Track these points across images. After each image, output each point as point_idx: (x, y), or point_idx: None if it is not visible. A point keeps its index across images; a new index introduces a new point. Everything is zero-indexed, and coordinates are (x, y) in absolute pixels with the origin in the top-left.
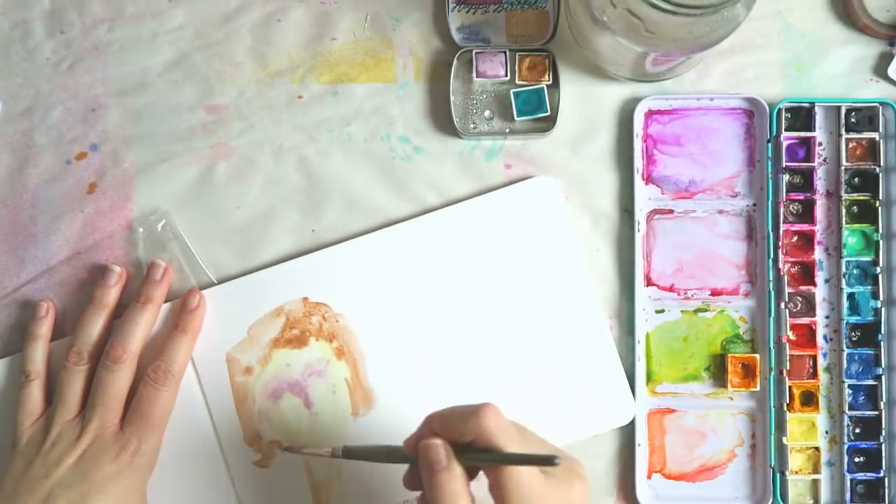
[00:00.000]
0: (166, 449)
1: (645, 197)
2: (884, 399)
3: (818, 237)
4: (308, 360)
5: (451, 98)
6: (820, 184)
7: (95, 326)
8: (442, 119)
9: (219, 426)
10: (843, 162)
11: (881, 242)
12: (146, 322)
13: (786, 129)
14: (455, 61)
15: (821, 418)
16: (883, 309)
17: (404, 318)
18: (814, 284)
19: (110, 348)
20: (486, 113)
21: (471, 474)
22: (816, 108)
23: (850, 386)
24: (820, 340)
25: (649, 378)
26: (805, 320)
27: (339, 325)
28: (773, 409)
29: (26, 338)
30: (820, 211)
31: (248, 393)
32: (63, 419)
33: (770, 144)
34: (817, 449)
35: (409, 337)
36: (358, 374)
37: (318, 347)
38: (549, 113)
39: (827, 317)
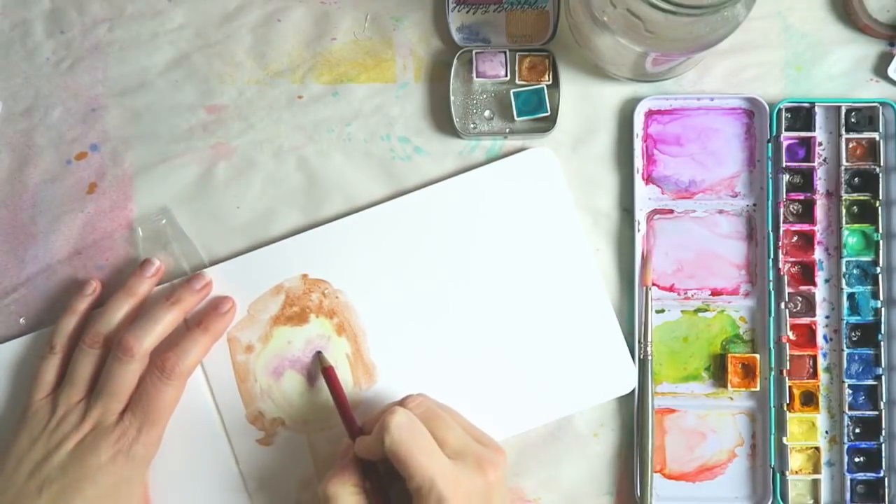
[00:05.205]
0: (169, 429)
1: (645, 197)
2: (884, 399)
3: (818, 237)
4: (309, 336)
5: (451, 98)
6: (820, 184)
7: (119, 313)
8: (442, 119)
9: (221, 405)
10: (843, 162)
11: (881, 242)
12: (169, 323)
13: (786, 129)
14: (455, 61)
15: (821, 418)
16: (883, 309)
17: (404, 292)
18: (814, 284)
19: (124, 339)
20: (486, 113)
21: None
22: (816, 108)
23: (850, 386)
24: (820, 340)
25: None
26: (805, 320)
27: (338, 301)
28: (773, 409)
29: (65, 310)
30: (820, 211)
31: (249, 371)
32: (70, 400)
33: (770, 144)
34: (817, 449)
35: (409, 311)
36: (359, 350)
37: (318, 324)
38: (549, 113)
39: (827, 317)
